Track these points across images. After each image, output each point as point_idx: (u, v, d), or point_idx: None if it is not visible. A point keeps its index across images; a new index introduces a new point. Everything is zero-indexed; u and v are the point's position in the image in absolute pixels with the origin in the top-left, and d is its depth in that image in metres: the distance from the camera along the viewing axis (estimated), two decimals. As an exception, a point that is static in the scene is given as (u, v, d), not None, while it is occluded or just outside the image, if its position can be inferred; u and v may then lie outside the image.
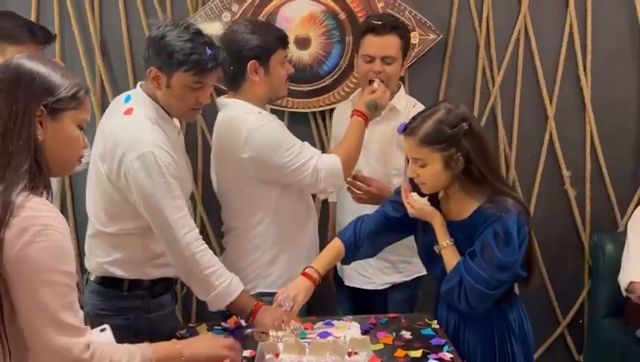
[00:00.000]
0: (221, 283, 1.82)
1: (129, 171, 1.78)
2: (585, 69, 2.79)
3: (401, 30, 2.24)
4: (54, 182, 2.73)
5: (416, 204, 1.83)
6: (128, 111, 1.84)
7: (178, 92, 1.81)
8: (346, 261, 1.99)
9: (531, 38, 2.77)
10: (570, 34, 2.77)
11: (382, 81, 2.18)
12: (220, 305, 1.86)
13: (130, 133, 1.81)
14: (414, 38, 2.62)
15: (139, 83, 1.92)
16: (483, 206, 1.73)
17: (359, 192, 2.18)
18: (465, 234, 1.76)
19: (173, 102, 1.84)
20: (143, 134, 1.80)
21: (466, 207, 1.78)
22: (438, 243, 1.80)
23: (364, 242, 1.94)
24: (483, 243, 1.70)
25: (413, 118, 1.78)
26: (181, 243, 1.79)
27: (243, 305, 1.85)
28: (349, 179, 2.16)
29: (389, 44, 2.21)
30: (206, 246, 1.84)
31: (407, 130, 1.76)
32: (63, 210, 2.85)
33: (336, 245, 1.95)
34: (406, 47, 2.26)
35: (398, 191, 1.97)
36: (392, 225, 1.94)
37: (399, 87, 2.33)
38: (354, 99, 2.41)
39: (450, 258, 1.77)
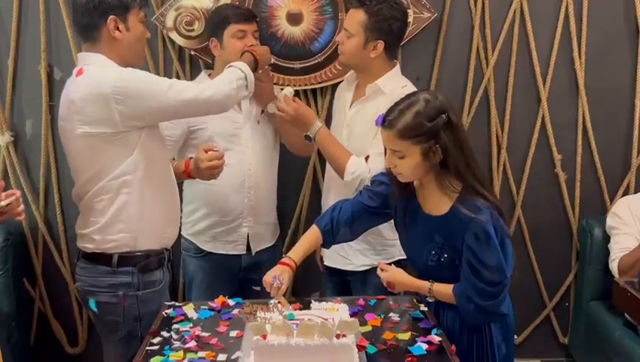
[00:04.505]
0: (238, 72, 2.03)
1: (118, 97, 1.81)
2: (579, 53, 2.77)
3: (369, 7, 2.16)
4: (41, 159, 2.70)
5: None
6: (79, 73, 1.88)
7: (137, 31, 1.94)
8: (326, 245, 2.02)
9: (526, 20, 2.74)
10: (566, 17, 2.75)
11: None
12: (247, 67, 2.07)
13: (93, 78, 1.84)
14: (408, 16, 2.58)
15: (78, 54, 1.99)
16: (456, 205, 1.74)
17: (281, 113, 2.21)
18: (443, 234, 1.77)
19: (135, 44, 1.94)
20: (104, 70, 1.86)
21: (440, 200, 1.78)
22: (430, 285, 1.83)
23: (341, 228, 1.95)
24: (468, 256, 1.72)
25: (391, 110, 1.75)
26: (203, 97, 1.94)
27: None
28: (277, 102, 2.23)
29: (350, 17, 2.22)
30: (214, 81, 2.02)
31: (385, 122, 1.75)
32: (48, 188, 2.82)
33: (312, 233, 1.97)
34: (374, 26, 2.16)
35: (374, 181, 1.99)
36: (368, 212, 1.96)
37: (392, 67, 2.29)
38: (349, 79, 2.38)
39: (444, 292, 1.80)
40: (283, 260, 1.89)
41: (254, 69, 2.13)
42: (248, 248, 2.41)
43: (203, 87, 1.97)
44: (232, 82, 1.99)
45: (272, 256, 2.45)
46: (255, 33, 2.34)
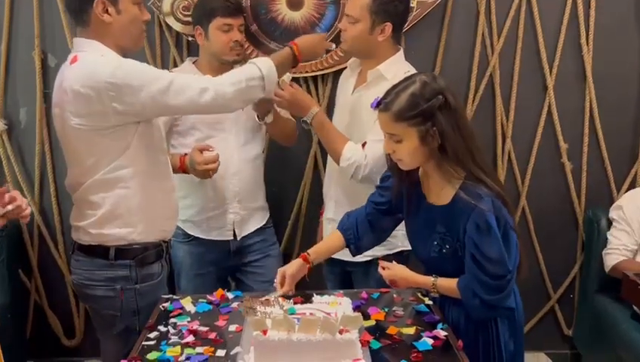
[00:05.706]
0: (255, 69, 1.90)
1: (112, 93, 1.73)
2: (587, 39, 2.71)
3: None
4: (36, 148, 2.65)
5: None
6: (73, 60, 1.81)
7: (130, 13, 1.84)
8: (354, 253, 1.99)
9: (533, 5, 2.69)
10: (574, 2, 2.69)
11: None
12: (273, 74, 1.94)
13: (87, 69, 1.77)
14: (411, 1, 2.52)
15: (73, 39, 1.90)
16: (458, 193, 1.69)
17: (277, 98, 2.16)
18: (445, 224, 1.73)
19: (129, 27, 1.85)
20: (99, 61, 1.77)
21: (443, 189, 1.74)
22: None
23: (363, 233, 1.93)
24: (470, 248, 1.67)
25: (388, 93, 1.72)
26: (204, 100, 1.81)
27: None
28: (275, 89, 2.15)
29: (353, 2, 2.17)
30: (218, 79, 1.86)
31: (381, 105, 1.71)
32: (44, 178, 2.77)
33: (335, 236, 1.97)
34: (379, 9, 2.11)
35: (382, 177, 1.95)
36: (382, 210, 1.93)
37: (396, 52, 2.23)
38: (352, 65, 2.32)
39: (448, 286, 1.76)
40: (303, 254, 1.90)
41: (294, 66, 2.05)
42: (236, 234, 2.42)
43: (205, 86, 1.82)
44: (239, 82, 1.85)
45: (261, 238, 2.46)
46: (241, 27, 2.33)
